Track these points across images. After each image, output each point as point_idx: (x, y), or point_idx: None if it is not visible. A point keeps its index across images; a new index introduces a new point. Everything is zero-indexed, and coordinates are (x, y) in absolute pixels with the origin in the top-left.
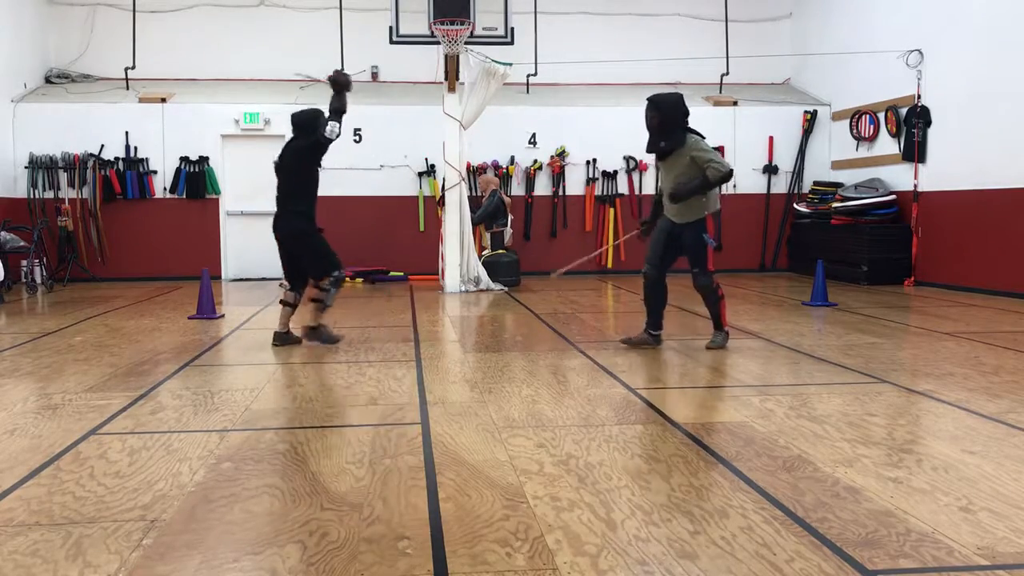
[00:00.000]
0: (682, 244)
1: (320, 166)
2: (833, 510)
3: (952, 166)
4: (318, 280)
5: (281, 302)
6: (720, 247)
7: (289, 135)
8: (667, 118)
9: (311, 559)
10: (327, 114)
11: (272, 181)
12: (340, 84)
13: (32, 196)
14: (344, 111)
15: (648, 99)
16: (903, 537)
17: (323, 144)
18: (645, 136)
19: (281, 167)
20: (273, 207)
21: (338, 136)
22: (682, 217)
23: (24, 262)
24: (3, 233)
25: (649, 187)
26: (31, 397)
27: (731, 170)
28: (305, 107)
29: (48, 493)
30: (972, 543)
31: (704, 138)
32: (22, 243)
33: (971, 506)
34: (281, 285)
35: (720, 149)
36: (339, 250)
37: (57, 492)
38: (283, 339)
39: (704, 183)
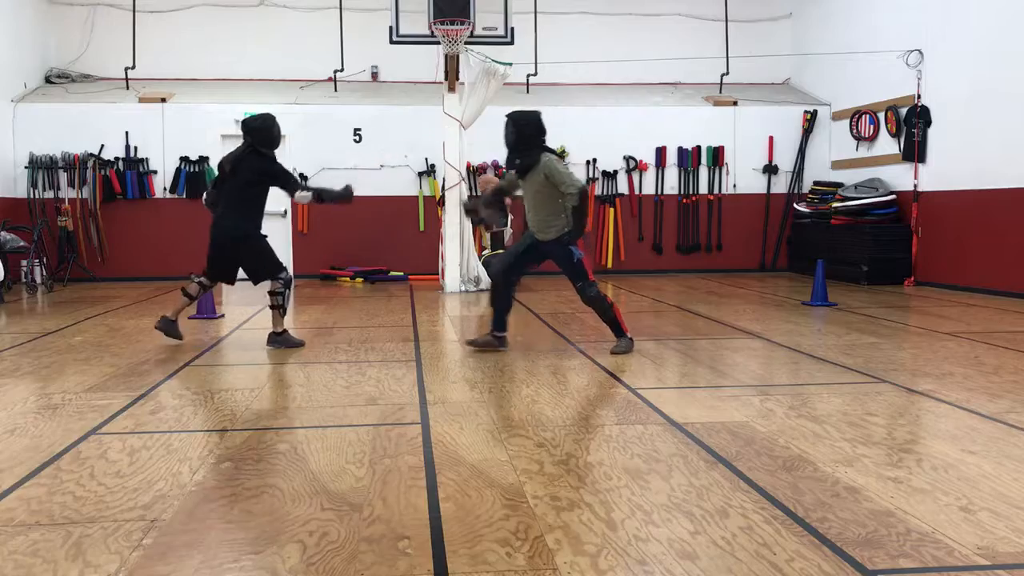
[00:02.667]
0: (550, 260)
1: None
2: (833, 510)
3: (952, 166)
4: (258, 282)
5: (183, 291)
6: (584, 254)
7: (290, 135)
8: (523, 135)
9: (311, 559)
10: (313, 187)
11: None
12: (346, 200)
13: (32, 196)
14: (324, 201)
15: (507, 115)
16: (903, 537)
17: (282, 185)
18: (643, 136)
19: (234, 173)
20: (271, 207)
21: (302, 202)
22: (544, 234)
23: (24, 262)
24: (3, 233)
25: (649, 187)
26: (31, 397)
27: (583, 186)
28: (257, 112)
29: (48, 493)
30: (972, 543)
31: (561, 157)
32: (22, 243)
33: (971, 506)
34: (196, 279)
35: (720, 149)
36: (339, 250)
37: (57, 492)
38: (167, 325)
39: (576, 212)
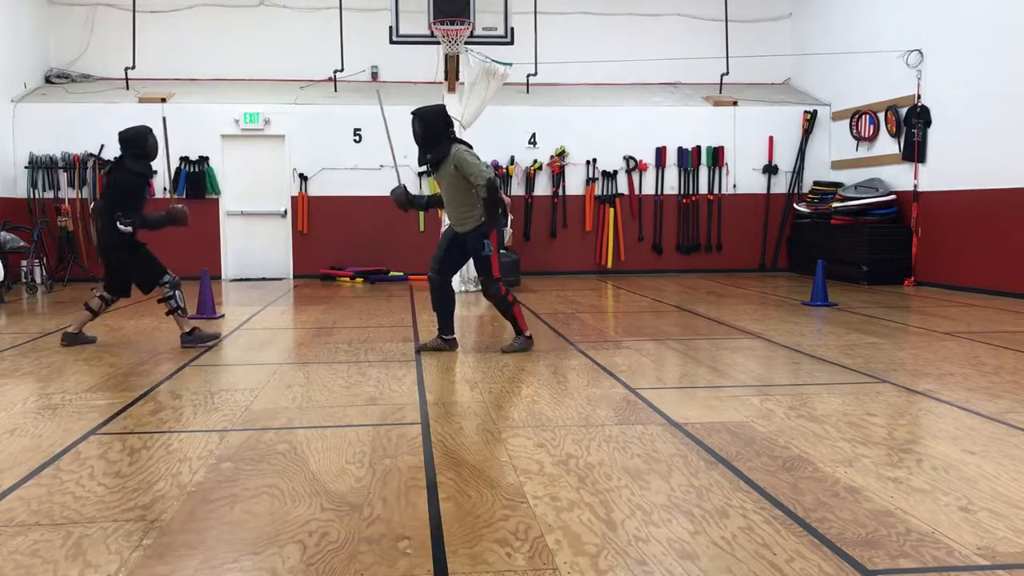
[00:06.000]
0: (465, 252)
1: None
2: (833, 510)
3: (952, 166)
4: (148, 291)
5: (86, 305)
6: (493, 251)
7: (290, 135)
8: (429, 130)
9: (311, 559)
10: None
11: (270, 182)
12: (177, 222)
13: (32, 196)
14: (155, 228)
15: (412, 112)
16: (903, 537)
17: (116, 198)
18: (643, 136)
19: (108, 184)
20: (271, 207)
21: (125, 230)
22: (462, 226)
23: (24, 262)
24: (3, 233)
25: (649, 187)
26: (31, 397)
27: (491, 177)
28: (134, 125)
29: (48, 493)
30: (972, 543)
31: (471, 147)
32: (22, 243)
33: (971, 506)
34: (97, 292)
35: (720, 149)
36: (339, 250)
37: (57, 492)
38: (73, 339)
39: (487, 203)
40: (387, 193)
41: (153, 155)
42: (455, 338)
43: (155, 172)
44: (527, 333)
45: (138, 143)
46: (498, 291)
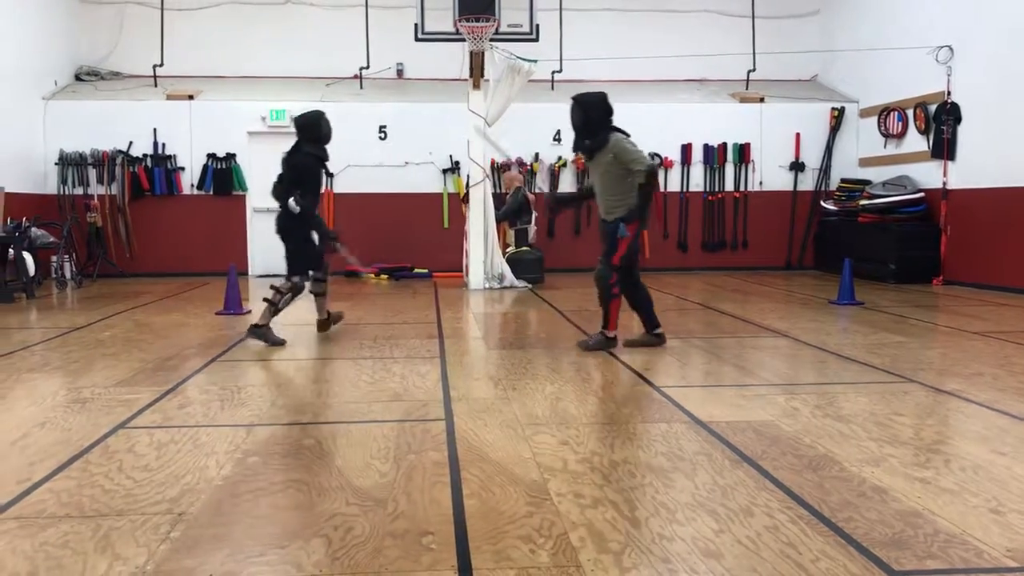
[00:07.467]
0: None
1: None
2: (859, 510)
3: (982, 163)
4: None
5: (266, 300)
6: (629, 234)
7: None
8: (590, 117)
9: (336, 553)
10: (306, 207)
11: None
12: (328, 237)
13: (62, 192)
14: (312, 225)
15: (572, 98)
16: (931, 538)
17: (295, 181)
18: (669, 134)
19: (285, 171)
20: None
21: (294, 208)
22: (610, 214)
23: (54, 258)
24: (33, 229)
25: (674, 184)
26: (61, 391)
27: (652, 165)
28: (307, 110)
29: (78, 486)
30: (1001, 545)
31: (629, 136)
32: (52, 239)
33: (1001, 507)
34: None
35: (747, 146)
36: (364, 246)
37: (87, 485)
38: (260, 334)
39: (643, 190)
40: (412, 190)
41: (328, 139)
42: (662, 332)
43: (329, 157)
44: (612, 333)
45: (313, 128)
46: (607, 276)
